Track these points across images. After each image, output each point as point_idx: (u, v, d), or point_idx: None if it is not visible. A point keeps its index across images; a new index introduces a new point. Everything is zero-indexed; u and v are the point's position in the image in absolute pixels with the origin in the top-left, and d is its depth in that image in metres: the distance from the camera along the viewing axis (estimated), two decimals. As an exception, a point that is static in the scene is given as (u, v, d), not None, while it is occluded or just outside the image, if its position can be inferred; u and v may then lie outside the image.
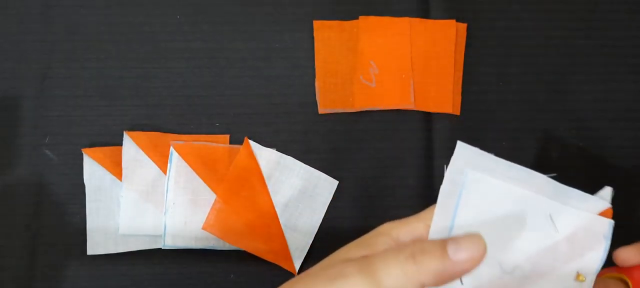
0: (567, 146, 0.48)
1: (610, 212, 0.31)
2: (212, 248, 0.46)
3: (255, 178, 0.46)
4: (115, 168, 0.46)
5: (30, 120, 0.48)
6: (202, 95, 0.48)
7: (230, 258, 0.46)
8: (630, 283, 0.33)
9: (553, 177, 0.32)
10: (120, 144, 0.46)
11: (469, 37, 0.49)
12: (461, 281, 0.30)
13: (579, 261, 0.32)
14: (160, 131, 0.48)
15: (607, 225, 0.32)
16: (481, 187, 0.32)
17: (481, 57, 0.49)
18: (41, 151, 0.47)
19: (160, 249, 0.46)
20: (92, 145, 0.47)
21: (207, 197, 0.46)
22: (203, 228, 0.45)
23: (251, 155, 0.47)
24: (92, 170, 0.47)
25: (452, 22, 0.49)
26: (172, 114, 0.48)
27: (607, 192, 0.32)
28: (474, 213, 0.32)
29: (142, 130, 0.47)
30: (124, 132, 0.46)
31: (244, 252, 0.45)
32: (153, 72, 0.49)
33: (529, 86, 0.49)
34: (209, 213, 0.45)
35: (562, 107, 0.48)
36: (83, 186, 0.46)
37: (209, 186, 0.46)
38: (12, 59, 0.49)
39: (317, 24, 0.49)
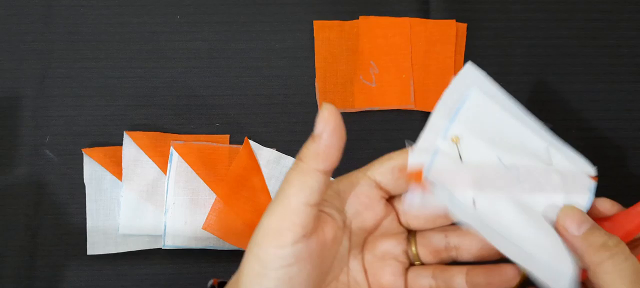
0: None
1: (595, 180, 0.33)
2: (212, 248, 0.46)
3: (255, 178, 0.46)
4: (115, 168, 0.46)
5: (31, 120, 0.48)
6: (202, 95, 0.48)
7: (230, 258, 0.46)
8: None
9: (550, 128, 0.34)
10: (120, 144, 0.46)
11: (469, 37, 0.49)
12: (460, 157, 0.33)
13: (566, 196, 0.32)
14: (160, 131, 0.48)
15: (592, 183, 0.33)
16: (483, 108, 0.34)
17: (481, 57, 0.49)
18: (41, 151, 0.47)
19: (160, 249, 0.46)
20: (92, 145, 0.47)
21: (207, 197, 0.46)
22: (203, 228, 0.45)
23: (251, 155, 0.47)
24: (92, 170, 0.47)
25: (452, 22, 0.49)
26: (172, 114, 0.48)
27: (592, 169, 0.34)
28: (471, 124, 0.34)
29: (142, 130, 0.47)
30: (124, 132, 0.46)
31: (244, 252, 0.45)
32: (153, 72, 0.49)
33: (529, 86, 0.49)
34: (209, 213, 0.45)
35: (562, 107, 0.48)
36: (83, 186, 0.46)
37: (209, 186, 0.46)
38: (12, 58, 0.49)
39: (317, 24, 0.49)
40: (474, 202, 0.32)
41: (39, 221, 0.47)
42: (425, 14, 0.49)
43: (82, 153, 0.47)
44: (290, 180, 0.28)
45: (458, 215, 0.31)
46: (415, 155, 0.33)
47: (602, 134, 0.48)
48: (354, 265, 0.32)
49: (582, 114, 0.48)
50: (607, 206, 0.33)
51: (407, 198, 0.32)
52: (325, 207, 0.31)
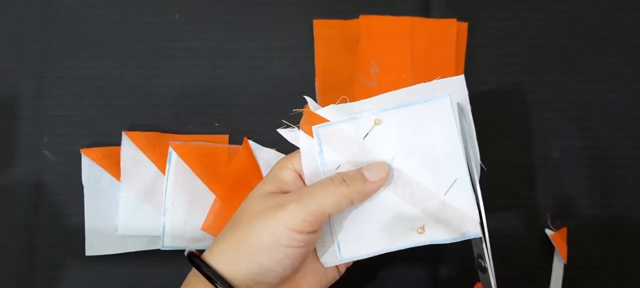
0: (567, 146, 0.48)
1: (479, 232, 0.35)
2: (211, 248, 0.45)
3: (254, 178, 0.46)
4: (114, 168, 0.46)
5: (29, 120, 0.48)
6: (201, 95, 0.48)
7: (229, 259, 0.46)
8: None
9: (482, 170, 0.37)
10: (119, 144, 0.46)
11: (469, 36, 0.49)
12: (366, 135, 0.37)
13: (434, 222, 0.36)
14: (159, 131, 0.47)
15: (474, 233, 0.35)
16: (437, 115, 0.36)
17: (482, 57, 0.49)
18: (40, 151, 0.47)
19: (159, 250, 0.45)
20: (90, 145, 0.47)
21: (206, 198, 0.46)
22: (202, 229, 0.45)
23: (251, 155, 0.47)
24: (91, 170, 0.46)
25: (453, 22, 0.49)
26: (171, 114, 0.48)
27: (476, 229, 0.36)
28: (408, 119, 0.36)
29: (141, 130, 0.47)
30: (123, 132, 0.46)
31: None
32: (153, 72, 0.49)
33: (529, 86, 0.48)
34: (208, 213, 0.45)
35: (562, 107, 0.48)
36: (81, 186, 0.46)
37: (208, 186, 0.46)
38: (11, 58, 0.48)
39: (317, 23, 0.49)
40: (338, 166, 0.37)
41: (37, 221, 0.46)
42: (426, 13, 0.49)
43: (80, 154, 0.46)
44: (329, 190, 0.34)
45: (309, 164, 0.36)
46: (331, 110, 0.37)
47: (602, 134, 0.48)
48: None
49: (582, 114, 0.48)
50: None
51: (282, 130, 0.38)
52: None
